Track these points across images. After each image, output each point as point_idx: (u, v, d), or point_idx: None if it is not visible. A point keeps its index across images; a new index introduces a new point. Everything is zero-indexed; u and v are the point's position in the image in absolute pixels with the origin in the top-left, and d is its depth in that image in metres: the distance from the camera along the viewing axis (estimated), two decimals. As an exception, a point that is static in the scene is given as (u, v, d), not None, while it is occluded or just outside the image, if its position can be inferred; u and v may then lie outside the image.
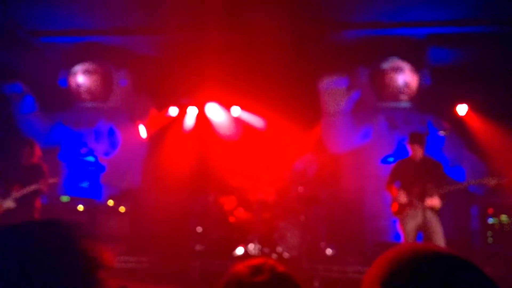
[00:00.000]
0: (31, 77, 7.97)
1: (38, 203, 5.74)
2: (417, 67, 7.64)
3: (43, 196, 6.47)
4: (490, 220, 6.57)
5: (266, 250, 6.76)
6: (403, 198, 5.24)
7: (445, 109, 7.36)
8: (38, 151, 5.88)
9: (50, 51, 8.37)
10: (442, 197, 5.12)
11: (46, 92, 8.29)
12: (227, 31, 6.93)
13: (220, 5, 6.23)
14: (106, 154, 8.20)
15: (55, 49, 8.41)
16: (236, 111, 8.34)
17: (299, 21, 6.75)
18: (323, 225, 7.34)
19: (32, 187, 5.57)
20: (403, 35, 7.32)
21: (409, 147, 5.39)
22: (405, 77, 7.61)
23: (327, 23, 7.03)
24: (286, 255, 6.75)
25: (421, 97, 7.79)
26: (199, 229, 7.24)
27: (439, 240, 5.05)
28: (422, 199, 5.11)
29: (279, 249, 6.79)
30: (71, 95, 8.50)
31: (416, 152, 5.29)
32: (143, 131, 8.39)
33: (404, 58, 7.63)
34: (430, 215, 5.13)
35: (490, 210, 6.59)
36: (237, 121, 8.52)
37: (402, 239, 5.35)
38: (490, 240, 6.51)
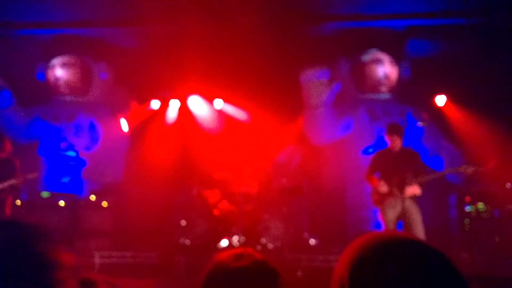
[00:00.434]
0: (7, 71, 7.78)
1: (9, 199, 5.65)
2: (397, 59, 7.75)
3: (23, 192, 6.39)
4: (468, 208, 6.75)
5: (250, 241, 6.82)
6: (383, 188, 5.34)
7: (424, 100, 7.49)
8: (8, 146, 5.76)
9: (27, 43, 8.19)
10: (421, 186, 5.23)
11: (23, 86, 8.10)
12: (208, 23, 6.89)
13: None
14: (87, 148, 8.11)
15: (32, 41, 8.22)
16: (218, 103, 8.32)
17: (279, 14, 6.76)
18: (306, 216, 7.43)
19: (8, 183, 5.47)
20: (383, 27, 7.40)
21: (387, 138, 5.47)
22: (385, 69, 7.71)
23: (307, 16, 7.06)
24: (270, 246, 6.82)
25: (400, 88, 7.91)
26: (183, 222, 7.25)
27: (419, 228, 5.17)
28: (401, 188, 5.23)
29: (263, 240, 6.86)
30: (50, 89, 8.34)
31: (394, 143, 5.39)
32: (124, 125, 8.30)
33: (384, 50, 7.72)
34: (409, 204, 5.25)
35: (468, 198, 6.77)
36: (220, 114, 8.51)
37: (383, 228, 5.46)
38: (467, 227, 6.69)
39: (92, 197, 7.45)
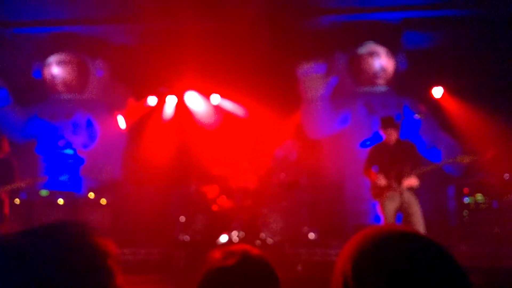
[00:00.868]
0: (4, 70, 7.76)
1: (8, 199, 5.63)
2: (393, 52, 7.74)
3: (22, 191, 6.38)
4: (466, 200, 6.76)
5: (250, 237, 6.83)
6: (381, 181, 5.34)
7: (421, 92, 7.50)
8: (6, 146, 5.74)
9: (23, 42, 8.16)
10: (419, 178, 5.23)
11: (20, 85, 8.10)
12: (204, 18, 6.87)
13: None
14: (85, 146, 8.10)
15: (28, 40, 8.20)
16: (215, 99, 8.31)
17: (275, 8, 6.74)
18: (305, 210, 7.43)
19: (15, 185, 5.45)
20: (379, 20, 7.39)
21: (382, 132, 5.46)
22: (382, 62, 7.71)
23: (303, 9, 7.04)
24: (269, 241, 6.83)
25: (397, 81, 7.90)
26: (182, 218, 7.25)
27: (418, 220, 5.17)
28: (399, 181, 5.22)
29: (262, 235, 6.86)
30: (46, 87, 8.33)
31: (390, 136, 5.38)
32: (121, 122, 8.29)
33: (380, 42, 7.71)
34: (408, 196, 5.24)
35: (466, 190, 6.78)
36: (217, 109, 8.49)
37: (383, 221, 5.47)
38: (466, 218, 6.70)
39: (91, 195, 7.44)
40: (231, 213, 7.11)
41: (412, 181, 5.20)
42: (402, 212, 5.28)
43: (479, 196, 6.70)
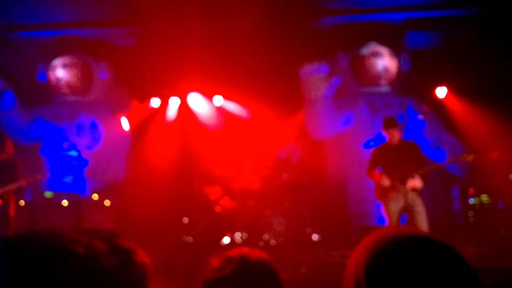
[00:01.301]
0: (9, 73, 7.85)
1: (13, 200, 5.66)
2: (396, 52, 7.71)
3: (26, 193, 6.41)
4: (471, 200, 6.70)
5: (253, 238, 6.82)
6: (385, 182, 5.30)
7: (425, 92, 7.46)
8: (10, 147, 5.77)
9: (28, 45, 8.24)
10: (423, 178, 5.20)
11: (25, 88, 8.18)
12: (206, 20, 6.89)
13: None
14: (89, 148, 8.15)
15: (33, 43, 8.29)
16: (218, 100, 8.32)
17: (277, 9, 6.74)
18: (308, 211, 7.41)
19: (16, 184, 5.48)
20: (381, 20, 7.36)
21: (384, 133, 5.44)
22: (385, 62, 7.68)
23: (305, 10, 7.03)
24: (272, 242, 6.81)
25: (400, 81, 7.87)
26: (185, 220, 7.26)
27: (422, 221, 5.14)
28: (403, 181, 5.19)
29: (265, 236, 6.85)
30: (51, 90, 8.40)
31: (392, 136, 5.35)
32: (125, 124, 8.33)
33: (383, 43, 7.69)
34: (412, 197, 5.21)
35: (471, 191, 6.72)
36: (220, 110, 8.50)
37: (387, 222, 5.43)
38: (471, 219, 6.64)
39: (95, 196, 7.47)
40: (234, 214, 7.10)
41: (416, 183, 5.16)
42: (407, 213, 5.25)
43: (484, 197, 6.64)
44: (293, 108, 7.93)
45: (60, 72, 8.22)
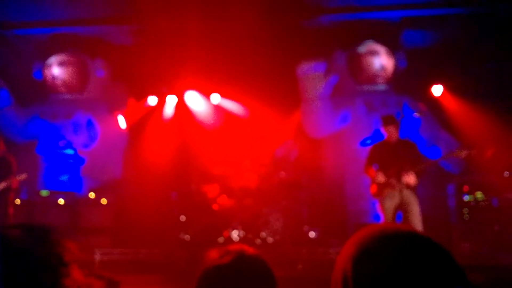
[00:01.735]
0: (5, 71, 7.79)
1: (11, 198, 5.66)
2: (393, 50, 7.75)
3: (22, 191, 6.40)
4: (466, 198, 6.75)
5: (250, 236, 6.84)
6: (381, 179, 5.34)
7: (421, 90, 7.50)
8: (1, 145, 5.77)
9: (24, 43, 8.19)
10: (418, 174, 5.24)
11: (21, 86, 8.12)
12: (203, 18, 6.88)
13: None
14: (86, 146, 8.12)
15: (28, 41, 8.24)
16: (215, 98, 8.32)
17: (275, 7, 6.74)
18: (306, 209, 7.43)
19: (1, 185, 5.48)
20: (378, 19, 7.40)
21: (383, 130, 5.48)
22: (381, 60, 7.72)
23: (303, 9, 7.04)
24: (270, 240, 6.83)
25: (397, 79, 7.91)
26: (182, 218, 7.26)
27: (417, 218, 5.18)
28: (399, 179, 5.23)
29: (263, 234, 6.87)
30: (47, 88, 8.35)
31: (391, 134, 5.39)
32: (122, 122, 8.31)
33: (380, 41, 7.72)
34: (408, 194, 5.25)
35: (466, 188, 6.77)
36: (217, 108, 8.50)
37: (382, 220, 5.48)
38: (466, 216, 6.70)
39: (92, 195, 7.46)
40: (231, 212, 7.11)
41: (411, 179, 5.20)
42: (402, 211, 5.29)
43: (479, 194, 6.69)
44: (290, 106, 7.95)
45: (56, 70, 8.18)
